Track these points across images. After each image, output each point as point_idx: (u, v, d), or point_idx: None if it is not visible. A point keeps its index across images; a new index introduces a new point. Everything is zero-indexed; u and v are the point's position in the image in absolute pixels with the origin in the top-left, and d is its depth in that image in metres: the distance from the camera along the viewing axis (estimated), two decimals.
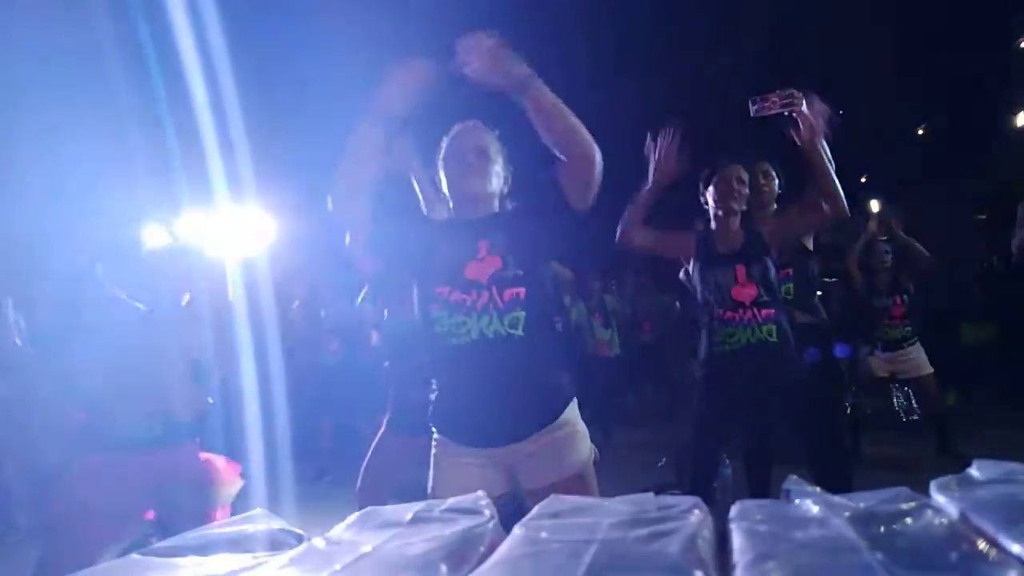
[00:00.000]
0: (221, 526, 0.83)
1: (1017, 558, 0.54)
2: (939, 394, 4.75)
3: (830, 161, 2.72)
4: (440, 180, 1.95)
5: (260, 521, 0.84)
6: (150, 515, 2.45)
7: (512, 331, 1.72)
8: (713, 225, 2.85)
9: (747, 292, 2.72)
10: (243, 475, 2.62)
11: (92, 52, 5.85)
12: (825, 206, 2.71)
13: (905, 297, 4.71)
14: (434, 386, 1.87)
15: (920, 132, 12.35)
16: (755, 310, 2.71)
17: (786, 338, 2.72)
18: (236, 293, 2.70)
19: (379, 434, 2.97)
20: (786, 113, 2.83)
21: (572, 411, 1.82)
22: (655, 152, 2.75)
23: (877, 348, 4.70)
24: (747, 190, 2.83)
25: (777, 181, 3.23)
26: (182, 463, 2.40)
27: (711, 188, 2.87)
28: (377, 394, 4.78)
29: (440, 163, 1.95)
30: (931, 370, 4.66)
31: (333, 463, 5.73)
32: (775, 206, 3.20)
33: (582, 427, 1.83)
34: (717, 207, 2.83)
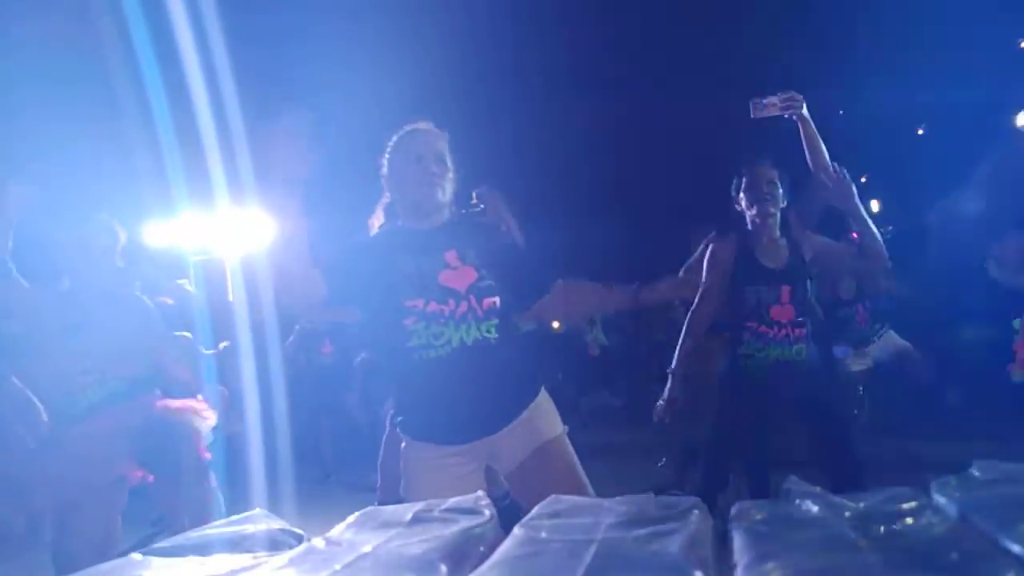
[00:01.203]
0: (221, 526, 0.84)
1: (1017, 558, 0.54)
2: (925, 366, 4.76)
3: (866, 217, 2.76)
4: (385, 178, 1.91)
5: (260, 521, 0.84)
6: (137, 473, 2.56)
7: (487, 335, 1.76)
8: (752, 233, 2.84)
9: (786, 312, 2.72)
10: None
11: (92, 52, 5.85)
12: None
13: (866, 303, 4.74)
14: (398, 394, 1.90)
15: (920, 132, 12.35)
16: (789, 329, 2.71)
17: (813, 357, 2.74)
18: (236, 292, 2.73)
19: (386, 431, 2.97)
20: (786, 115, 2.83)
21: (541, 393, 1.88)
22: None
23: (847, 349, 4.75)
24: (779, 190, 2.81)
25: (782, 190, 3.22)
26: (150, 407, 2.54)
27: (742, 193, 2.85)
28: (370, 394, 4.79)
29: (389, 165, 1.90)
30: (907, 344, 4.69)
31: (333, 463, 5.73)
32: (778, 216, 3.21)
33: (548, 403, 1.89)
34: (751, 216, 2.82)
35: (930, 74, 9.91)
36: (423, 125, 1.91)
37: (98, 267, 2.58)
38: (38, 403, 2.55)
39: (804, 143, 2.90)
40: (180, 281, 2.89)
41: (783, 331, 2.72)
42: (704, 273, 2.85)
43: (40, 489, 2.46)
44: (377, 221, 2.06)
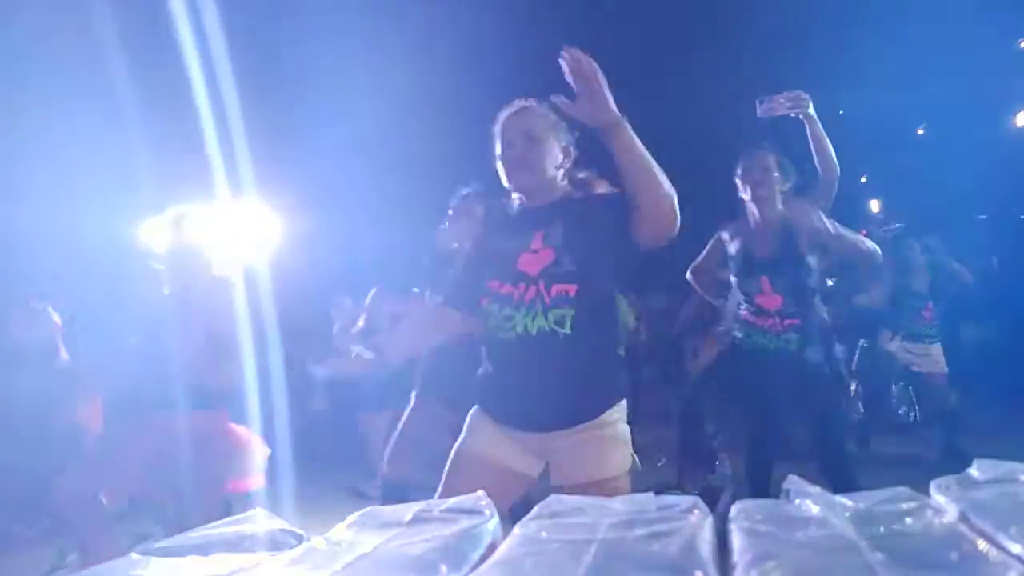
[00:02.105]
0: (221, 526, 0.83)
1: (1017, 558, 0.54)
2: (948, 395, 4.78)
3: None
4: (496, 160, 1.88)
5: (260, 521, 0.84)
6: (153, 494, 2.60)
7: (558, 328, 1.68)
8: (751, 222, 2.87)
9: (772, 301, 2.73)
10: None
11: (95, 49, 5.85)
12: None
13: (932, 303, 4.83)
14: (485, 365, 1.87)
15: (920, 132, 12.34)
16: (777, 319, 2.73)
17: (809, 347, 2.74)
18: (240, 294, 2.74)
19: (409, 407, 2.98)
20: (793, 114, 2.83)
21: (615, 414, 1.77)
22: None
23: (900, 337, 4.80)
24: (776, 176, 2.83)
25: (779, 175, 3.23)
26: (205, 427, 2.53)
27: (739, 181, 2.89)
28: (379, 394, 4.77)
29: (496, 147, 1.87)
30: (946, 370, 4.72)
31: (333, 463, 5.72)
32: (780, 204, 3.21)
33: (623, 432, 1.78)
34: (748, 203, 2.85)
35: (930, 74, 9.90)
36: (519, 103, 1.86)
37: (195, 280, 2.66)
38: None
39: (811, 142, 2.91)
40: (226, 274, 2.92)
41: (770, 320, 2.74)
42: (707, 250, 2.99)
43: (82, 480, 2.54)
44: (504, 202, 2.04)
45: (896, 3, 9.36)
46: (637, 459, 1.83)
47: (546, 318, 1.68)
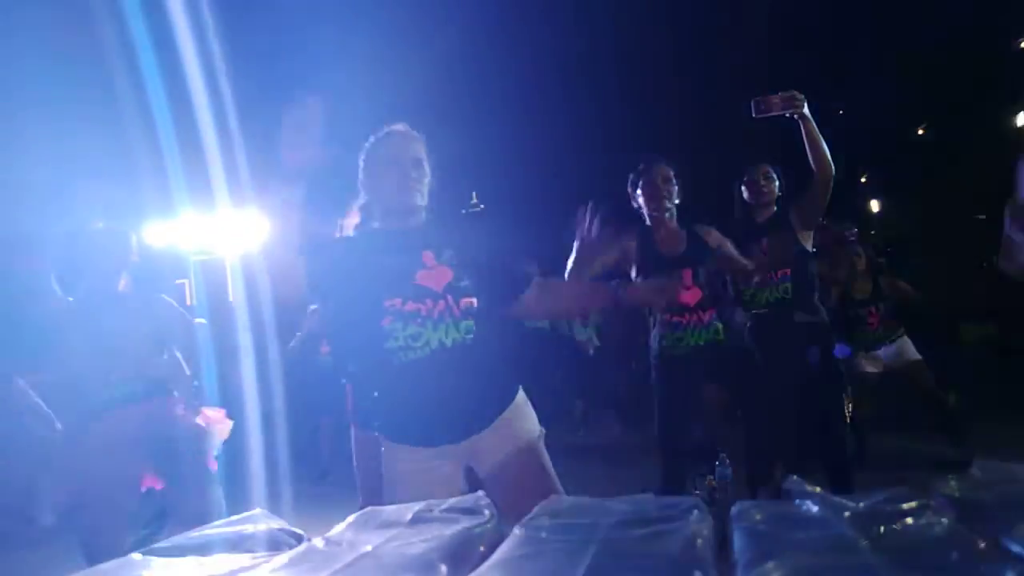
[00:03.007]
0: (221, 526, 0.83)
1: (1017, 558, 0.54)
2: (934, 382, 4.75)
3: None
4: (362, 181, 1.93)
5: (260, 521, 0.84)
6: (150, 482, 2.59)
7: (466, 336, 1.76)
8: (651, 227, 2.89)
9: (693, 295, 2.76)
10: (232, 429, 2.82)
11: (91, 52, 5.85)
12: None
13: (880, 306, 4.73)
14: (376, 396, 1.88)
15: (920, 132, 12.34)
16: (700, 313, 2.77)
17: (734, 333, 2.81)
18: (236, 292, 2.75)
19: (353, 436, 2.92)
20: (788, 114, 2.84)
21: (520, 396, 1.88)
22: (582, 227, 2.70)
23: (860, 353, 4.75)
24: (674, 187, 2.86)
25: (778, 183, 3.23)
26: (166, 412, 2.58)
27: (639, 190, 2.90)
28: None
29: (366, 167, 1.92)
30: (919, 357, 4.66)
31: (333, 463, 5.73)
32: (775, 208, 3.21)
33: (526, 404, 1.89)
34: (649, 210, 2.87)
35: (930, 74, 9.90)
36: (400, 127, 1.93)
37: (109, 278, 2.65)
38: (43, 406, 2.62)
39: (806, 142, 2.91)
40: (180, 281, 2.91)
41: (694, 316, 2.78)
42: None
43: (54, 484, 2.55)
44: (353, 221, 2.06)
45: (896, 3, 9.37)
46: (543, 429, 1.92)
47: (457, 330, 1.75)
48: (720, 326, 2.78)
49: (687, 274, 2.77)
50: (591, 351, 6.99)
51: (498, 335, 1.86)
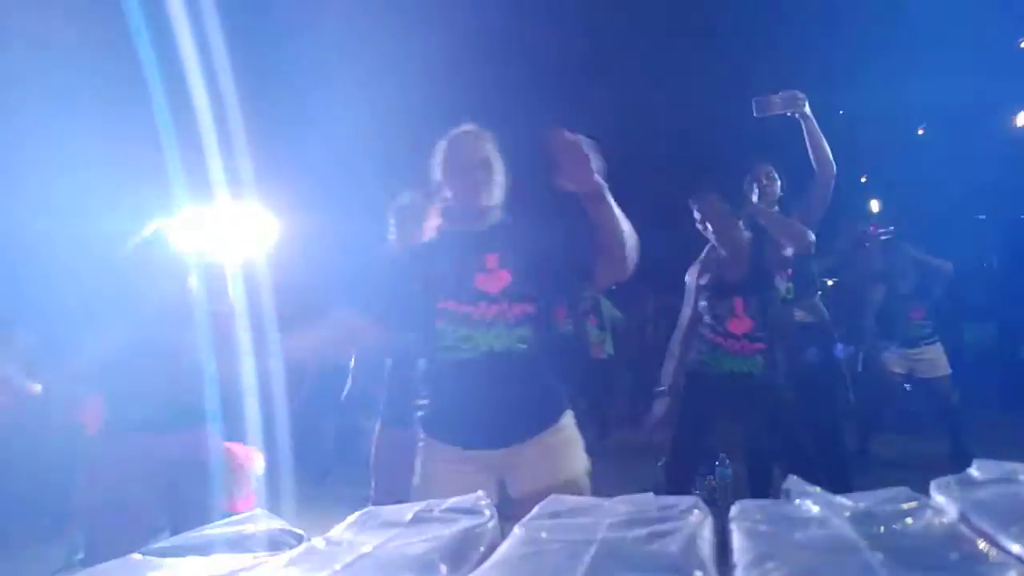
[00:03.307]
0: (221, 526, 0.84)
1: (1017, 558, 0.54)
2: (953, 396, 4.76)
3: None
4: (438, 184, 1.92)
5: (260, 521, 0.84)
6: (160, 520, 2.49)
7: (519, 345, 1.74)
8: (719, 252, 2.89)
9: (743, 325, 2.78)
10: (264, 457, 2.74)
11: (91, 51, 5.85)
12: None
13: (926, 301, 4.77)
14: (424, 394, 1.88)
15: (920, 132, 12.34)
16: (745, 342, 2.77)
17: (772, 370, 2.78)
18: (237, 293, 2.71)
19: (376, 433, 2.95)
20: (789, 113, 2.84)
21: (568, 418, 1.84)
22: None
23: (894, 345, 4.76)
24: (728, 208, 2.85)
25: (780, 183, 3.24)
26: (192, 447, 2.43)
27: (697, 213, 2.90)
28: (379, 394, 4.78)
29: (440, 170, 1.91)
30: (948, 371, 4.69)
31: (334, 463, 5.73)
32: (777, 208, 3.21)
33: (576, 435, 1.85)
34: (715, 240, 2.86)
35: (930, 74, 9.90)
36: (468, 128, 1.92)
37: (175, 288, 2.53)
38: None
39: (807, 141, 2.91)
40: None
41: (739, 344, 2.78)
42: (686, 297, 2.97)
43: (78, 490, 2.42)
44: (434, 223, 2.05)
45: (896, 3, 9.37)
46: (589, 462, 1.88)
47: (510, 336, 1.75)
48: (761, 361, 2.76)
49: (738, 303, 2.78)
50: (603, 355, 6.97)
51: (550, 349, 1.83)
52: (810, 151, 2.93)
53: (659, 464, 4.53)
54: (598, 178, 1.65)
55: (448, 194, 1.89)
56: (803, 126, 2.90)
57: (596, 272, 1.80)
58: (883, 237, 5.01)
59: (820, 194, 3.05)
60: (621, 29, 10.17)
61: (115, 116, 5.83)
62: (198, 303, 2.57)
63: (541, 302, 1.79)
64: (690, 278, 2.98)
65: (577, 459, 1.82)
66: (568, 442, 1.81)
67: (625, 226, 1.71)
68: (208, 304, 2.60)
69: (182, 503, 2.37)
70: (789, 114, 2.85)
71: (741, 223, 2.86)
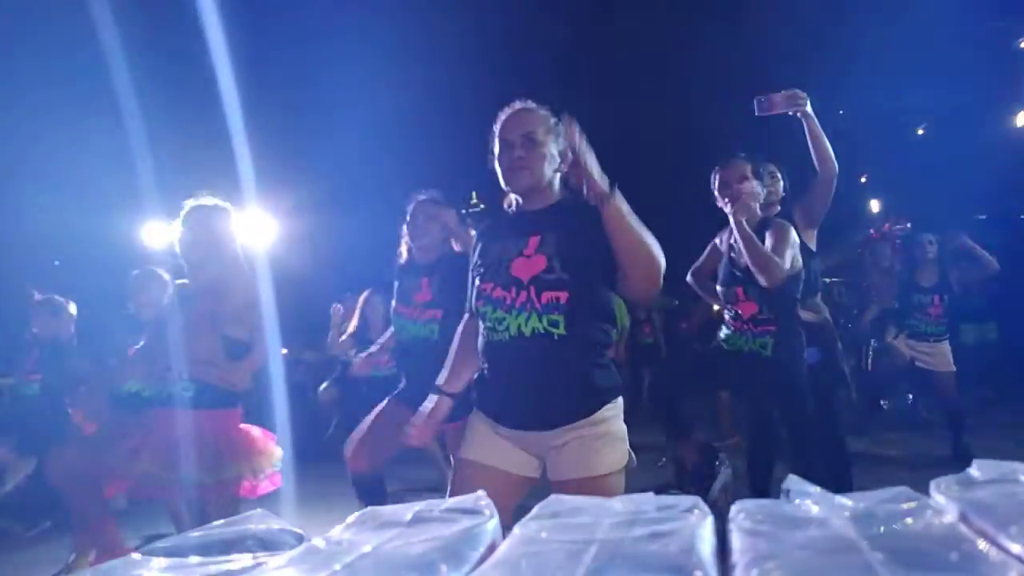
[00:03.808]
0: (221, 526, 0.83)
1: (1017, 558, 0.54)
2: (957, 394, 4.77)
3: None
4: (492, 160, 1.91)
5: (260, 521, 0.84)
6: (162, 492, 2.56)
7: (552, 329, 1.71)
8: (734, 233, 2.90)
9: (748, 308, 2.84)
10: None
11: (91, 52, 5.85)
12: None
13: (945, 296, 4.77)
14: (482, 366, 1.91)
15: (920, 132, 12.34)
16: (752, 325, 2.84)
17: (782, 351, 2.82)
18: (262, 289, 2.73)
19: (384, 403, 2.99)
20: (791, 112, 2.84)
21: (610, 411, 1.80)
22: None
23: (905, 333, 4.78)
24: (756, 187, 2.85)
25: (783, 183, 3.23)
26: (222, 426, 2.49)
27: (717, 191, 2.92)
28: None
29: (492, 147, 1.90)
30: (953, 369, 4.69)
31: (334, 463, 5.72)
32: (779, 207, 3.21)
33: (619, 429, 1.81)
34: (727, 210, 2.87)
35: (930, 74, 9.89)
36: (519, 104, 1.87)
37: (224, 256, 2.59)
38: None
39: (809, 140, 2.91)
40: (180, 282, 2.89)
41: (747, 326, 2.87)
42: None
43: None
44: (508, 200, 2.04)
45: (897, 3, 9.37)
46: (634, 456, 1.86)
47: (540, 320, 1.72)
48: (771, 342, 2.82)
49: (739, 290, 2.87)
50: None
51: (592, 333, 1.79)
52: (812, 150, 2.93)
53: (659, 464, 4.54)
54: (602, 186, 1.62)
55: (501, 175, 1.87)
56: (805, 125, 2.90)
57: (622, 284, 1.78)
58: (900, 232, 5.05)
59: (822, 193, 3.05)
60: (622, 28, 10.16)
61: (115, 116, 5.83)
62: (225, 285, 2.59)
63: (577, 290, 1.73)
64: (716, 245, 3.12)
65: (614, 454, 1.78)
66: (604, 437, 1.77)
67: (647, 238, 1.67)
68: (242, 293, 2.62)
69: (206, 476, 2.40)
70: (791, 113, 2.85)
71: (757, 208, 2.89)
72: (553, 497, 0.81)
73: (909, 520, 0.64)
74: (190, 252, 2.53)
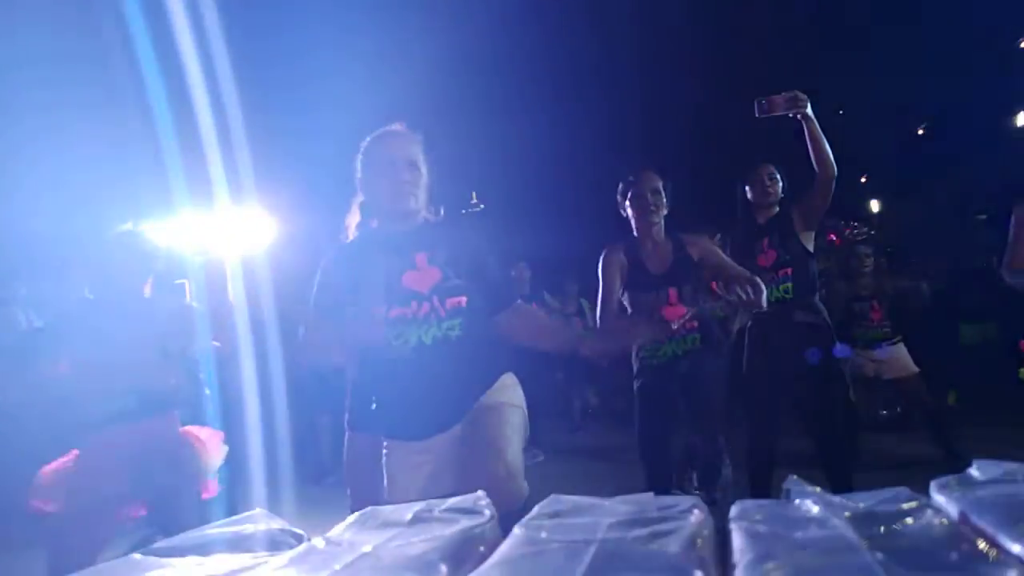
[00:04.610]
0: (221, 526, 0.84)
1: (1017, 558, 0.54)
2: (926, 393, 4.76)
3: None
4: (359, 180, 1.92)
5: (260, 521, 0.84)
6: (137, 511, 2.49)
7: (449, 332, 1.77)
8: (639, 240, 2.88)
9: (677, 312, 2.77)
10: (225, 443, 2.67)
11: (91, 51, 5.85)
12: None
13: (883, 301, 4.79)
14: (373, 399, 1.92)
15: (920, 132, 12.35)
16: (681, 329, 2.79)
17: (711, 341, 2.82)
18: (236, 292, 2.70)
19: (346, 440, 2.86)
20: (791, 114, 2.84)
21: (507, 378, 1.87)
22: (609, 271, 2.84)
23: (858, 347, 4.77)
24: (663, 199, 2.85)
25: (782, 184, 3.24)
26: (161, 433, 2.44)
27: (627, 202, 2.89)
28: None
29: (362, 168, 1.90)
30: (915, 370, 4.68)
31: (334, 463, 5.72)
32: (778, 208, 3.21)
33: (509, 384, 1.87)
34: (637, 224, 2.86)
35: (931, 74, 9.90)
36: (396, 127, 1.92)
37: (132, 284, 2.52)
38: None
39: (808, 142, 2.91)
40: (179, 281, 2.88)
41: (676, 331, 2.79)
42: (600, 280, 2.91)
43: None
44: (354, 219, 2.05)
45: (897, 3, 9.37)
46: (540, 453, 1.93)
47: (440, 328, 1.76)
48: (698, 337, 2.80)
49: (672, 292, 2.79)
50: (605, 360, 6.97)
51: (485, 329, 1.85)
52: (811, 152, 2.93)
53: None
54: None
55: (371, 193, 1.89)
56: (805, 127, 2.90)
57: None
58: (859, 237, 5.03)
59: (821, 195, 3.05)
60: (622, 31, 10.16)
61: (115, 116, 5.84)
62: (167, 299, 2.60)
63: (474, 295, 1.80)
64: (607, 262, 2.92)
65: (501, 392, 1.83)
66: (499, 386, 1.84)
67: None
68: (208, 301, 2.59)
69: (156, 490, 2.37)
70: (791, 115, 2.85)
71: (656, 218, 2.85)
72: (553, 497, 0.81)
73: (909, 520, 0.64)
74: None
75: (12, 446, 3.84)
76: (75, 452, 2.42)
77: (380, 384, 1.89)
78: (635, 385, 2.93)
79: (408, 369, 1.77)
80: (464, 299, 1.79)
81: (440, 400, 1.79)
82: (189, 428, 2.58)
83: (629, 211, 2.89)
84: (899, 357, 4.71)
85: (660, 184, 2.87)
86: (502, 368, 1.89)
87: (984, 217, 11.75)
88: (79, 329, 2.44)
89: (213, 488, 2.57)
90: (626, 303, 2.88)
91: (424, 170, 1.88)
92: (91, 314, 2.48)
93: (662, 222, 2.87)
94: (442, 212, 1.97)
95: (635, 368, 2.94)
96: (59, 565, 2.29)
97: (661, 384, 2.85)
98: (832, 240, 5.08)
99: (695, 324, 2.79)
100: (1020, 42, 10.39)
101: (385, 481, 1.86)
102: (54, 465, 2.43)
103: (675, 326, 2.69)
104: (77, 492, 2.30)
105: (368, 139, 1.91)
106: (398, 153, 1.85)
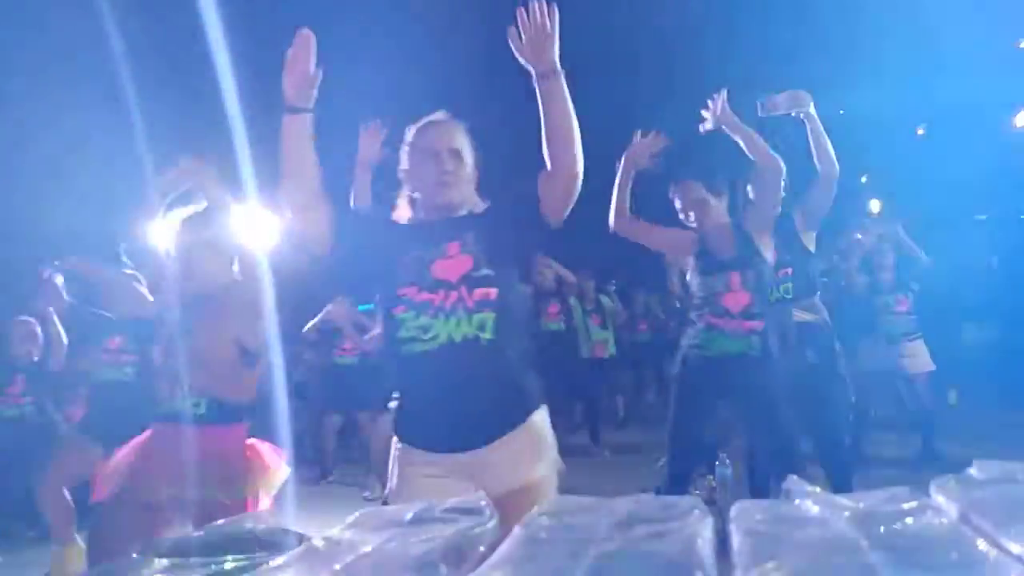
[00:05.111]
0: (221, 526, 0.84)
1: (1017, 558, 0.54)
2: (931, 394, 4.77)
3: None
4: (403, 172, 1.87)
5: (260, 521, 0.84)
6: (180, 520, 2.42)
7: (480, 333, 1.65)
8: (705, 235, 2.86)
9: (737, 299, 2.66)
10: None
11: (92, 50, 5.85)
12: None
13: (909, 294, 4.76)
14: (396, 394, 1.84)
15: (920, 132, 12.34)
16: (742, 320, 2.65)
17: (768, 351, 2.67)
18: (268, 297, 2.60)
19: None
20: (793, 114, 2.85)
21: (539, 416, 1.75)
22: (634, 142, 2.79)
23: (880, 341, 4.75)
24: (713, 202, 2.81)
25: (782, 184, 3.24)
26: (223, 444, 2.32)
27: (677, 202, 2.88)
28: (379, 394, 4.78)
29: (407, 159, 1.85)
30: (932, 367, 4.68)
31: (334, 464, 5.72)
32: (779, 209, 3.21)
33: (545, 434, 1.76)
34: (695, 226, 2.84)
35: (930, 74, 9.90)
36: (439, 116, 1.86)
37: (221, 268, 2.41)
38: None
39: (811, 141, 2.92)
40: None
41: (735, 322, 2.66)
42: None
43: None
44: (403, 213, 1.94)
45: (896, 3, 9.37)
46: (562, 464, 1.80)
47: (469, 323, 1.65)
48: (758, 341, 2.65)
49: (735, 277, 2.67)
50: (605, 354, 6.95)
51: (517, 337, 1.74)
52: (813, 151, 2.94)
53: (659, 464, 4.53)
54: (554, 57, 1.65)
55: (414, 185, 1.83)
56: (807, 126, 2.90)
57: (542, 192, 1.73)
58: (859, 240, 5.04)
59: (822, 194, 3.05)
60: (621, 27, 10.16)
61: (115, 115, 5.84)
62: (243, 289, 2.43)
63: (502, 285, 1.70)
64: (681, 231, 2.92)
65: (543, 461, 1.72)
66: (536, 443, 1.72)
67: (575, 131, 1.68)
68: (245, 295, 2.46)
69: (201, 504, 2.21)
70: (794, 114, 2.85)
71: (721, 206, 2.83)
72: (553, 497, 0.81)
73: (909, 520, 0.64)
74: (188, 257, 2.41)
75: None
76: (137, 441, 2.36)
77: (405, 380, 1.79)
78: (675, 372, 2.84)
79: (436, 368, 1.67)
80: (494, 292, 1.67)
81: (462, 414, 1.67)
82: (253, 443, 2.45)
83: (681, 215, 2.86)
84: (919, 353, 4.71)
85: (704, 191, 2.81)
86: (535, 398, 1.75)
87: (984, 217, 11.75)
88: (171, 322, 2.36)
89: (267, 504, 2.44)
90: (697, 289, 2.80)
91: (470, 160, 1.81)
92: (183, 306, 2.36)
93: (717, 215, 2.82)
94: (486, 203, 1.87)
95: (680, 354, 2.82)
96: (94, 556, 2.28)
97: (704, 383, 2.71)
98: (858, 238, 5.08)
99: (758, 323, 2.64)
100: (1020, 42, 10.39)
101: (393, 484, 1.77)
102: (124, 451, 2.36)
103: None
104: (128, 486, 2.26)
105: (412, 130, 1.86)
106: (441, 143, 1.78)
